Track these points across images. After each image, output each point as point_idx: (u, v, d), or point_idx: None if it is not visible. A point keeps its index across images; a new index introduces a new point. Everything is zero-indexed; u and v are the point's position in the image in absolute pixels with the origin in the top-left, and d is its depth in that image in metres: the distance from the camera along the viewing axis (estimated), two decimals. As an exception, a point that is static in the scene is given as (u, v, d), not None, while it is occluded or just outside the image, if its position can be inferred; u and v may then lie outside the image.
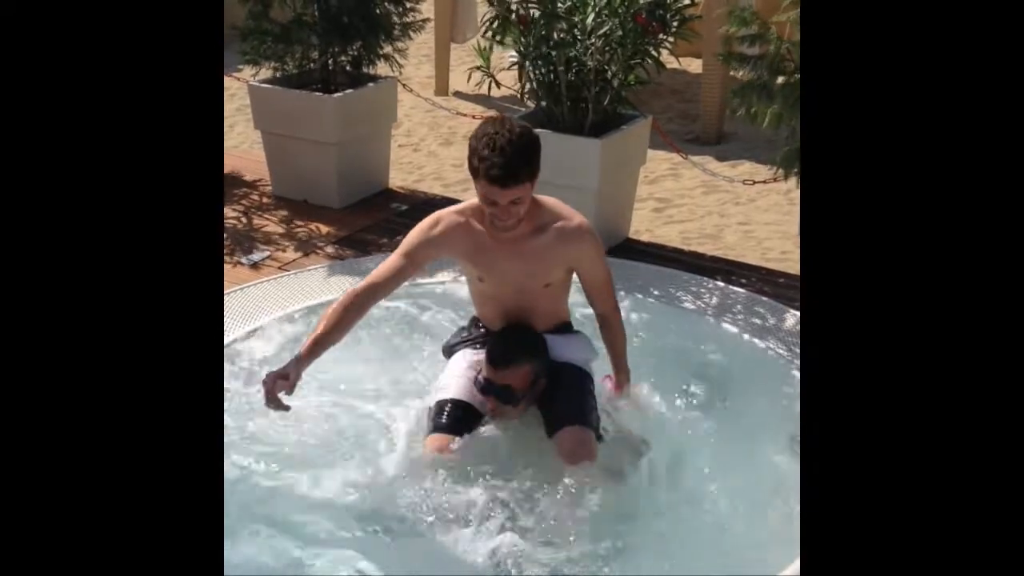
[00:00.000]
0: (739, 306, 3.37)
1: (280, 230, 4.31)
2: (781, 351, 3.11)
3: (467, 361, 2.71)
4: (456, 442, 2.53)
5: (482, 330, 2.77)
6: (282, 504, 2.44)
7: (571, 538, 2.32)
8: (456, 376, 2.67)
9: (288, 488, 2.49)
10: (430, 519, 2.38)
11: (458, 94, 7.38)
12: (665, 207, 5.97)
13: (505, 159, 2.30)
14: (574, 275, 2.67)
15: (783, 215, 5.91)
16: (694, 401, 2.95)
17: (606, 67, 3.80)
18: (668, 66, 4.06)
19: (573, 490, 2.41)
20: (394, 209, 4.58)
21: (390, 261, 2.60)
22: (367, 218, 4.44)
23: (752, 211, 6.06)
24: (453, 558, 2.27)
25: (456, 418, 2.58)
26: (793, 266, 4.63)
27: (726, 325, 3.26)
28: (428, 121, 6.85)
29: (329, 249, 4.10)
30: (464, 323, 2.91)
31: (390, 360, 3.06)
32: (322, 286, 3.56)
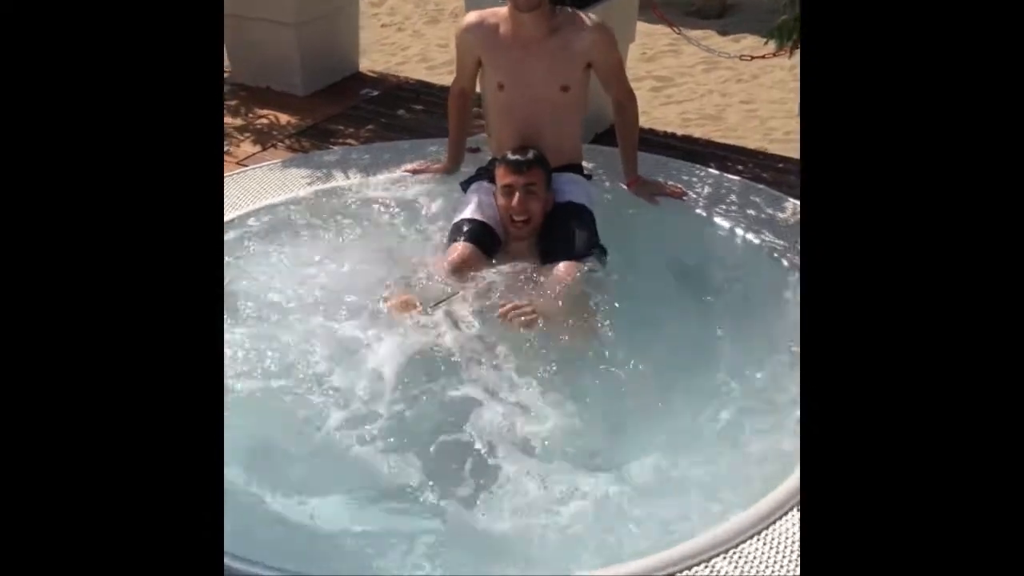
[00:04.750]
0: (733, 196, 3.08)
1: (238, 122, 3.97)
2: (777, 245, 2.83)
3: (484, 189, 2.83)
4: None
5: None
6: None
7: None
8: (477, 201, 2.80)
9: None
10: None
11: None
12: (664, 86, 5.75)
13: None
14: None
15: (788, 92, 5.68)
16: (681, 304, 2.72)
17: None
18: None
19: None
20: (364, 95, 4.23)
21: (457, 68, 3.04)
22: (334, 106, 4.10)
23: (755, 88, 5.82)
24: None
25: (475, 232, 2.71)
26: (795, 149, 4.33)
27: (718, 218, 2.96)
28: None
29: (290, 141, 3.78)
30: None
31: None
32: (280, 182, 3.26)
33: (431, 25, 6.70)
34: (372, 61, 5.49)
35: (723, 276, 2.82)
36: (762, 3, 6.55)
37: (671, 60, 6.18)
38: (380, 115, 4.00)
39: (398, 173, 3.24)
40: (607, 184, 3.13)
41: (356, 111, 4.05)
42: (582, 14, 2.85)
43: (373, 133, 3.81)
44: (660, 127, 4.66)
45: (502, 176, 2.71)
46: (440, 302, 2.50)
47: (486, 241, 2.71)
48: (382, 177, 3.23)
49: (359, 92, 4.26)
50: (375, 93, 4.24)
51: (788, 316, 2.62)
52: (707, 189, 3.12)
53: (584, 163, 3.03)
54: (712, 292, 2.80)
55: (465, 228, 2.73)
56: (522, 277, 2.59)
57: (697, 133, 4.71)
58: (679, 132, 4.63)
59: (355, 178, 3.26)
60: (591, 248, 2.68)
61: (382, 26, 6.64)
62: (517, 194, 2.66)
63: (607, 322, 2.51)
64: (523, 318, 2.42)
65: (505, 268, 2.62)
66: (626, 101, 2.97)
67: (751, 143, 4.62)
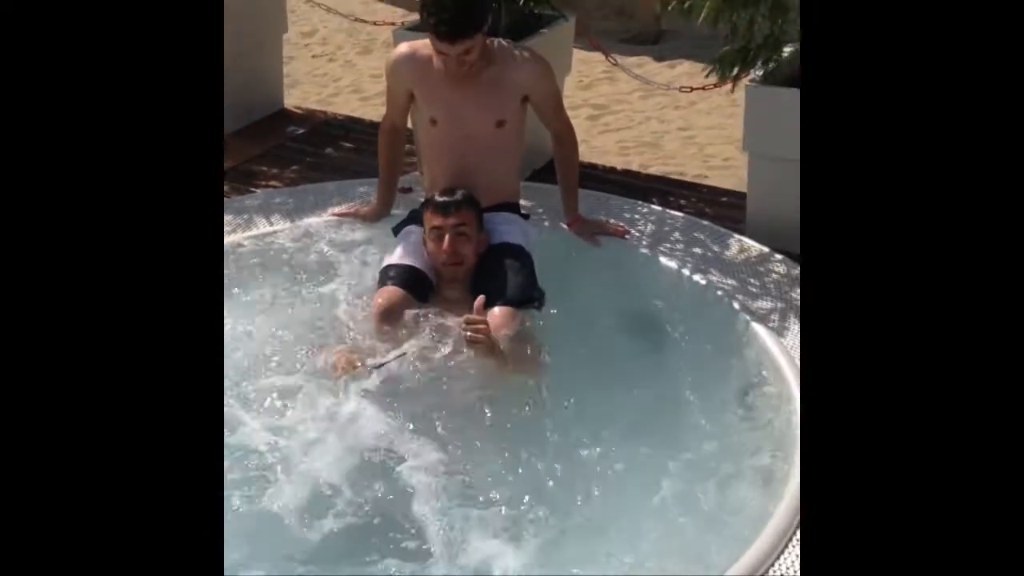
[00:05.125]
0: (677, 233, 2.96)
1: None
2: (725, 285, 2.71)
3: (415, 232, 2.70)
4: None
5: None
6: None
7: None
8: (404, 246, 2.67)
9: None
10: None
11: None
12: (601, 114, 5.69)
13: (450, 15, 2.46)
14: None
15: (726, 118, 5.66)
16: (626, 349, 2.59)
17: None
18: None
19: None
20: (289, 133, 4.06)
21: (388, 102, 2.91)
22: (257, 145, 3.91)
23: (693, 115, 5.80)
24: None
25: (403, 276, 2.57)
26: (735, 175, 4.27)
27: (663, 258, 2.84)
28: (346, 28, 6.35)
29: (210, 184, 3.56)
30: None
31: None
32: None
33: (363, 56, 6.47)
34: (303, 92, 5.36)
35: (669, 319, 2.70)
36: (698, 30, 6.56)
37: (607, 87, 6.13)
38: (306, 154, 3.83)
39: (324, 217, 3.05)
40: (546, 223, 3.00)
41: (281, 150, 3.88)
42: (517, 46, 2.76)
43: (298, 174, 3.64)
44: (598, 156, 4.58)
45: (430, 218, 2.57)
46: (382, 364, 2.35)
47: (415, 285, 2.57)
48: (307, 222, 3.05)
49: (284, 130, 4.09)
50: (301, 131, 4.08)
51: (738, 359, 2.51)
52: (650, 226, 3.00)
53: (522, 201, 2.90)
54: (658, 336, 2.67)
55: (391, 273, 2.59)
56: (455, 331, 2.43)
57: (636, 162, 4.66)
58: (619, 165, 4.58)
59: (278, 224, 3.07)
60: (528, 292, 2.55)
61: (313, 57, 6.46)
62: (447, 236, 2.51)
63: (541, 368, 2.39)
64: (471, 335, 2.31)
65: (438, 319, 2.47)
66: (565, 135, 2.87)
67: (690, 170, 4.59)
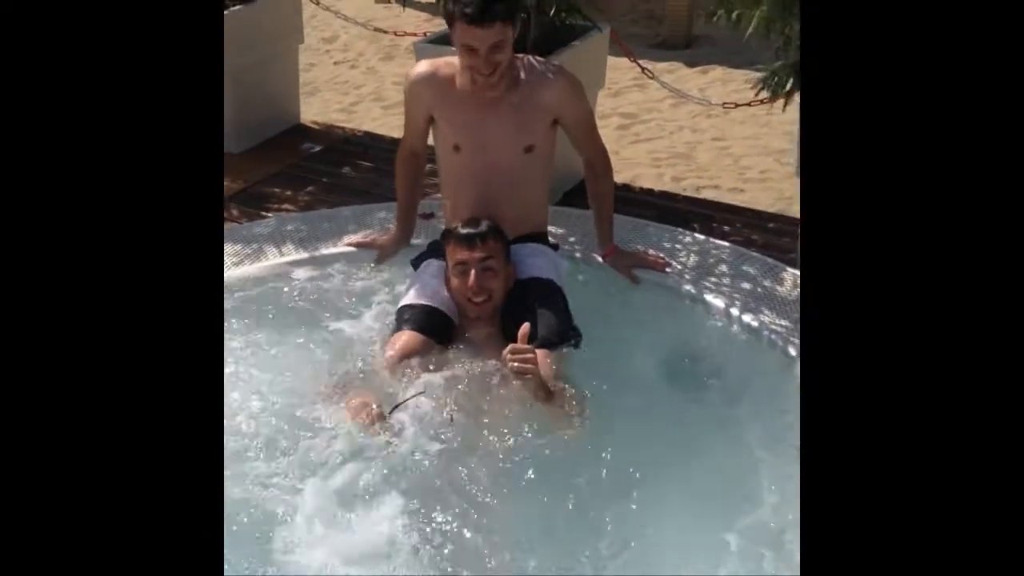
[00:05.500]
0: (723, 266, 2.71)
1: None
2: (778, 326, 2.46)
3: (432, 268, 2.48)
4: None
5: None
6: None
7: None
8: (421, 284, 2.45)
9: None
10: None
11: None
12: (631, 123, 5.50)
13: None
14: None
15: (760, 127, 5.48)
16: (669, 396, 2.35)
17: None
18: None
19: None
20: (305, 151, 3.85)
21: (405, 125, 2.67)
22: (270, 164, 3.70)
23: (727, 124, 5.63)
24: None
25: (419, 319, 2.35)
26: (773, 190, 4.04)
27: (709, 295, 2.59)
28: (367, 34, 6.20)
29: (220, 208, 3.36)
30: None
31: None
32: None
33: (385, 62, 6.32)
34: (324, 101, 5.24)
35: (717, 365, 2.45)
36: (730, 34, 6.36)
37: (637, 95, 5.95)
38: (322, 174, 3.62)
39: (340, 247, 2.84)
40: (577, 254, 2.77)
41: (295, 170, 3.67)
42: (545, 63, 2.51)
43: (313, 196, 3.43)
44: (629, 168, 4.38)
45: (453, 252, 2.35)
46: (398, 405, 2.14)
47: (435, 327, 2.35)
48: (321, 253, 2.83)
49: (300, 147, 3.88)
50: (317, 148, 3.87)
51: (791, 410, 2.27)
52: (693, 258, 2.76)
53: (550, 227, 2.68)
54: (704, 382, 2.43)
55: (406, 316, 2.37)
56: (484, 372, 2.22)
57: (668, 174, 4.48)
58: (650, 177, 4.38)
59: (290, 254, 2.86)
60: (563, 332, 2.32)
61: (335, 63, 6.36)
62: (472, 272, 2.29)
63: (586, 414, 2.16)
64: (518, 365, 2.07)
65: (464, 361, 2.26)
66: (598, 161, 2.63)
67: (726, 183, 4.40)
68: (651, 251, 2.77)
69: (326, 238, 2.91)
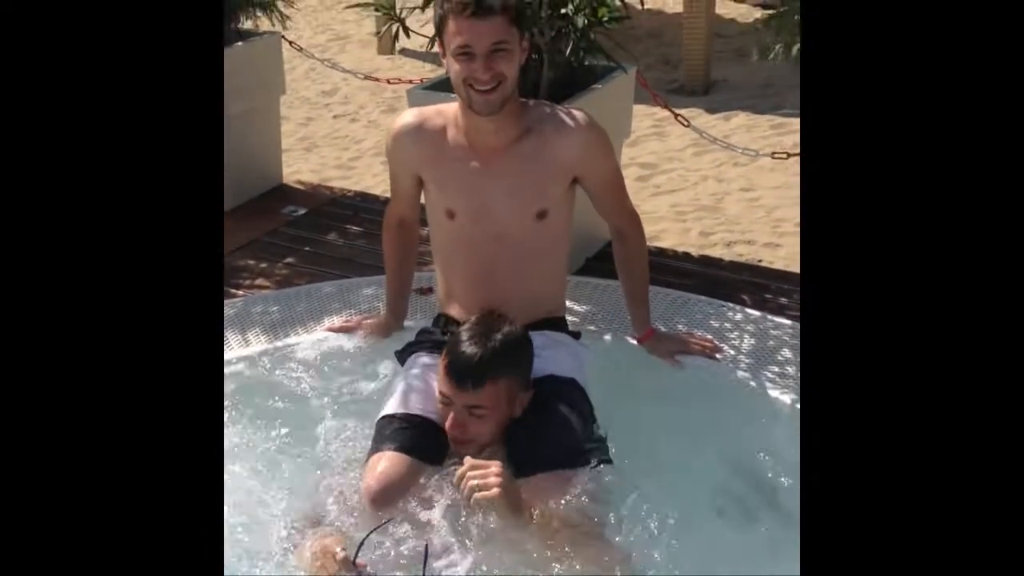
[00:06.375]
0: (785, 349, 2.23)
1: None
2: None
3: (420, 365, 2.05)
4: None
5: (449, 327, 2.11)
6: None
7: None
8: (406, 386, 2.01)
9: None
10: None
11: (406, 52, 6.80)
12: (651, 174, 5.15)
13: None
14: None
15: (791, 176, 5.26)
16: (726, 520, 1.89)
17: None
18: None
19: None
20: (286, 215, 3.45)
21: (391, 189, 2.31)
22: (245, 231, 3.33)
23: (754, 173, 5.36)
24: None
25: (405, 435, 1.90)
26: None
27: (771, 388, 2.10)
28: (369, 85, 6.07)
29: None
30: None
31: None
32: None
33: (388, 114, 6.18)
34: (321, 157, 5.08)
35: (782, 477, 1.95)
36: (751, 77, 6.06)
37: (656, 144, 5.72)
38: (304, 242, 3.25)
39: (317, 333, 2.37)
40: (607, 337, 2.29)
41: (273, 237, 3.31)
42: (563, 110, 2.07)
43: (292, 269, 3.01)
44: (651, 223, 4.01)
45: (440, 381, 1.88)
46: (362, 543, 1.68)
47: (423, 444, 1.90)
48: (295, 340, 2.38)
49: (280, 212, 3.52)
50: (301, 211, 3.48)
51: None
52: (747, 340, 2.29)
53: (569, 303, 2.24)
54: (769, 502, 1.93)
55: (387, 431, 1.92)
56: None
57: (695, 229, 4.16)
58: (675, 233, 4.01)
59: (254, 343, 2.41)
60: (585, 446, 1.87)
61: (334, 117, 6.29)
62: (452, 414, 1.84)
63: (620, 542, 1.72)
64: (478, 483, 1.67)
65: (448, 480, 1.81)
66: (629, 229, 2.21)
67: (760, 238, 4.09)
68: (696, 332, 2.29)
69: (300, 322, 2.46)
